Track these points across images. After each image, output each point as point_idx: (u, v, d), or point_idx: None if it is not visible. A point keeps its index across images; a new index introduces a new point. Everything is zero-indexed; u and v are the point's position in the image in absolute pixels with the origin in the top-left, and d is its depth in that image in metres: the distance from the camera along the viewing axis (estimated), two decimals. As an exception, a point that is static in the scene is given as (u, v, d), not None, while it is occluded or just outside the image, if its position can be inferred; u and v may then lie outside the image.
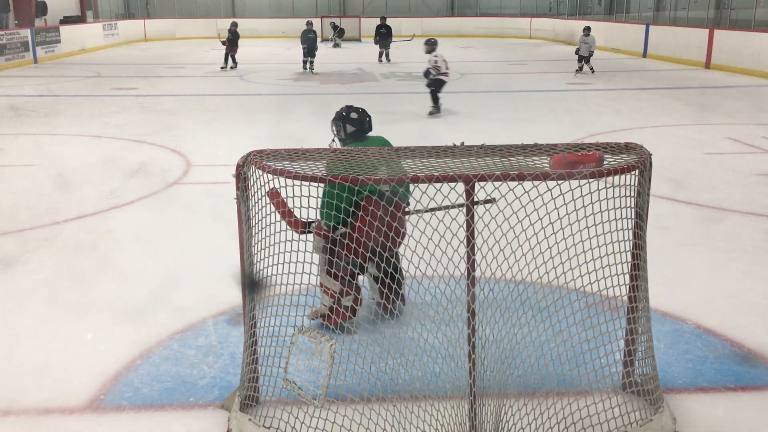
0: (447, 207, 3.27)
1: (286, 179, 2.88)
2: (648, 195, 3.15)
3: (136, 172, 8.04)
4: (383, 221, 3.22)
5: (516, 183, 2.79)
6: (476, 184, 2.79)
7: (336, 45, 27.57)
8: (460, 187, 2.84)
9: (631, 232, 3.06)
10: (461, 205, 2.89)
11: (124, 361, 3.78)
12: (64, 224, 6.18)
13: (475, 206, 2.89)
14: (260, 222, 3.06)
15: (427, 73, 11.56)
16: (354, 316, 3.96)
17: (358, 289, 4.00)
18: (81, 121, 11.45)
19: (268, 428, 3.02)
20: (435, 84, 11.56)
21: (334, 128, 4.23)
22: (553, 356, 3.04)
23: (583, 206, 2.85)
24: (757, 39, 16.91)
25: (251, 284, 3.18)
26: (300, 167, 2.99)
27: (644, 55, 22.21)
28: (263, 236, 3.06)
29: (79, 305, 4.54)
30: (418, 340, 3.13)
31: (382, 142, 4.17)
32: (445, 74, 11.49)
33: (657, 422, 3.09)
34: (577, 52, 17.64)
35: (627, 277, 3.10)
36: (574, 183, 2.82)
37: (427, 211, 3.27)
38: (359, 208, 3.57)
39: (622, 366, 3.38)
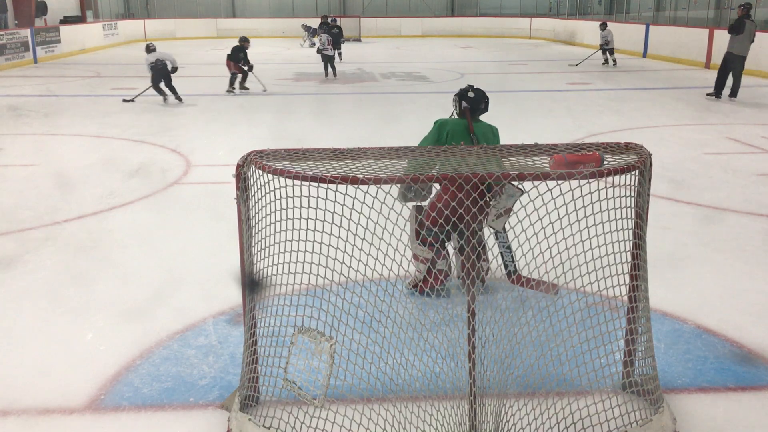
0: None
1: (286, 179, 2.88)
2: (648, 195, 3.15)
3: (136, 172, 8.04)
4: (455, 197, 2.98)
5: (516, 183, 2.79)
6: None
7: (312, 44, 27.55)
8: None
9: (631, 232, 3.06)
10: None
11: (124, 361, 3.78)
12: (64, 224, 6.18)
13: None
14: (260, 222, 3.06)
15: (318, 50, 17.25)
16: (446, 280, 4.24)
17: (446, 255, 4.26)
18: (81, 121, 11.45)
19: (268, 428, 3.02)
20: (324, 56, 16.94)
21: (453, 102, 4.44)
22: (553, 356, 3.03)
23: (583, 206, 2.85)
24: (757, 39, 16.89)
25: (251, 284, 3.18)
26: (300, 167, 2.99)
27: (644, 55, 22.20)
28: (263, 236, 3.06)
29: (79, 305, 4.54)
30: (418, 340, 3.13)
31: (487, 129, 4.34)
32: (326, 49, 16.78)
33: (657, 422, 3.09)
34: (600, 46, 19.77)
35: (627, 277, 3.10)
36: (574, 183, 2.82)
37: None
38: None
39: (622, 366, 3.38)
